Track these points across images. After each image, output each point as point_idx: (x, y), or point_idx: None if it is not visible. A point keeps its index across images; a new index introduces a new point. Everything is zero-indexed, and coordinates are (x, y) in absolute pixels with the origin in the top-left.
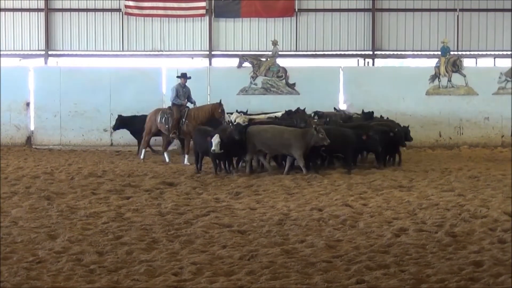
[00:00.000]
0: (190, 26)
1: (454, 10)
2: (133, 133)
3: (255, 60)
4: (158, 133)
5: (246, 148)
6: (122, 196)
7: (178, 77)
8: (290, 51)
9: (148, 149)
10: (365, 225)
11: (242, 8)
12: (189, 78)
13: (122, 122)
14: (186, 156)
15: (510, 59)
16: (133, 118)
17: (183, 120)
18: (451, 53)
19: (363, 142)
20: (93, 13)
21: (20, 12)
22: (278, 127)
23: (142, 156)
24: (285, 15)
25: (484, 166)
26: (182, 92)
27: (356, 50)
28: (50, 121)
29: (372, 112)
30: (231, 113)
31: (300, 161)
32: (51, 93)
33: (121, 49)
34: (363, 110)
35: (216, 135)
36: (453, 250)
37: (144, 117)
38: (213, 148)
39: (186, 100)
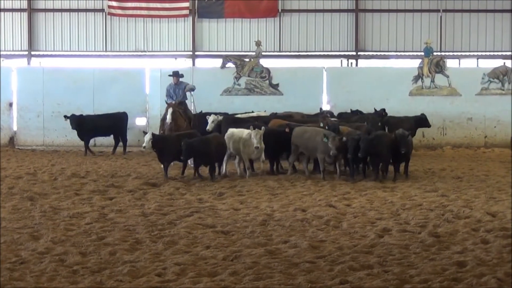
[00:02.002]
0: (173, 26)
1: (438, 10)
2: (81, 133)
3: (239, 61)
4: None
5: (211, 155)
6: (106, 197)
7: (170, 75)
8: (274, 51)
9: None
10: (348, 225)
11: (226, 8)
12: (182, 76)
13: (75, 122)
14: None
15: (492, 60)
16: (84, 117)
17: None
18: (434, 53)
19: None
20: (76, 13)
21: (2, 12)
22: (317, 129)
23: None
24: (269, 15)
25: (467, 167)
26: (174, 91)
27: (339, 51)
28: (33, 122)
29: (384, 110)
30: (210, 114)
31: (321, 165)
32: (34, 93)
33: (104, 50)
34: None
35: (149, 132)
36: (436, 250)
37: (94, 117)
38: (144, 145)
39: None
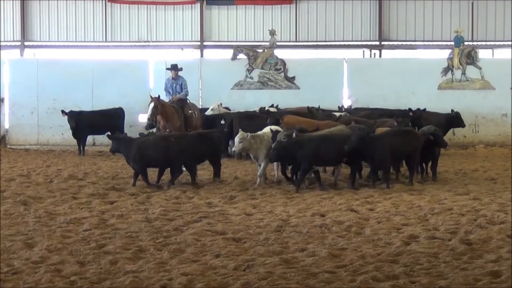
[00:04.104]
0: (179, 14)
1: None
2: (76, 130)
3: (251, 52)
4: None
5: (170, 158)
6: (106, 201)
7: (168, 69)
8: (289, 41)
9: None
10: (371, 232)
11: None
12: (180, 69)
13: (74, 119)
14: None
15: None
16: (80, 113)
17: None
18: (466, 43)
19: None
20: (74, 0)
21: None
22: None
23: None
24: (284, 2)
25: (501, 167)
26: (171, 86)
27: (361, 41)
28: (27, 119)
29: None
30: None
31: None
32: (27, 88)
33: (104, 40)
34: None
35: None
36: (468, 259)
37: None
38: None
39: (177, 93)
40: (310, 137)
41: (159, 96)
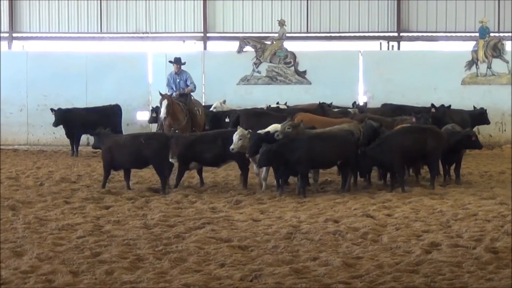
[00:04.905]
0: (181, 3)
1: None
2: (69, 129)
3: (259, 44)
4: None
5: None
6: (101, 206)
7: (170, 62)
8: (300, 32)
9: None
10: (389, 239)
11: None
12: (184, 63)
13: (62, 117)
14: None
15: None
16: (72, 111)
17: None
18: (491, 34)
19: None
20: None
21: None
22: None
23: None
24: None
25: None
26: (174, 81)
27: (378, 32)
28: (15, 117)
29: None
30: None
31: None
32: (16, 83)
33: (100, 31)
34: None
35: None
36: (494, 269)
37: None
38: None
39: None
40: (303, 138)
41: (172, 93)
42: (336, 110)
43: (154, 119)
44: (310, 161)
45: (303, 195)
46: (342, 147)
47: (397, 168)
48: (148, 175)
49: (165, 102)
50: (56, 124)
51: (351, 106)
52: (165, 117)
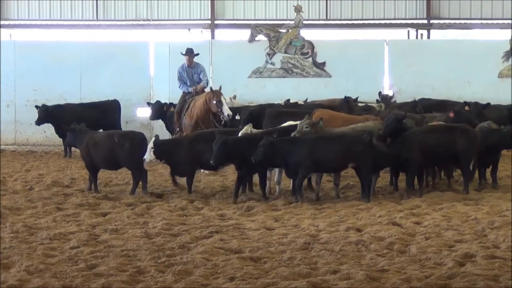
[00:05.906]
0: None
1: None
2: (58, 127)
3: (272, 32)
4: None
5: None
6: (97, 212)
7: (182, 54)
8: (319, 20)
9: None
10: (418, 250)
11: None
12: (197, 54)
13: (47, 114)
14: None
15: None
16: (59, 107)
17: (183, 114)
18: None
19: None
20: None
21: None
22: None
23: None
24: None
25: None
26: (187, 75)
27: (406, 19)
28: (2, 113)
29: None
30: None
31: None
32: (2, 76)
33: (96, 18)
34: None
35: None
36: None
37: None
38: (145, 156)
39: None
40: (307, 137)
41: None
42: (359, 105)
43: (155, 115)
44: (312, 164)
45: (296, 198)
46: (352, 148)
47: (411, 168)
48: (150, 177)
49: (224, 100)
50: (38, 122)
51: (375, 102)
52: (228, 115)
